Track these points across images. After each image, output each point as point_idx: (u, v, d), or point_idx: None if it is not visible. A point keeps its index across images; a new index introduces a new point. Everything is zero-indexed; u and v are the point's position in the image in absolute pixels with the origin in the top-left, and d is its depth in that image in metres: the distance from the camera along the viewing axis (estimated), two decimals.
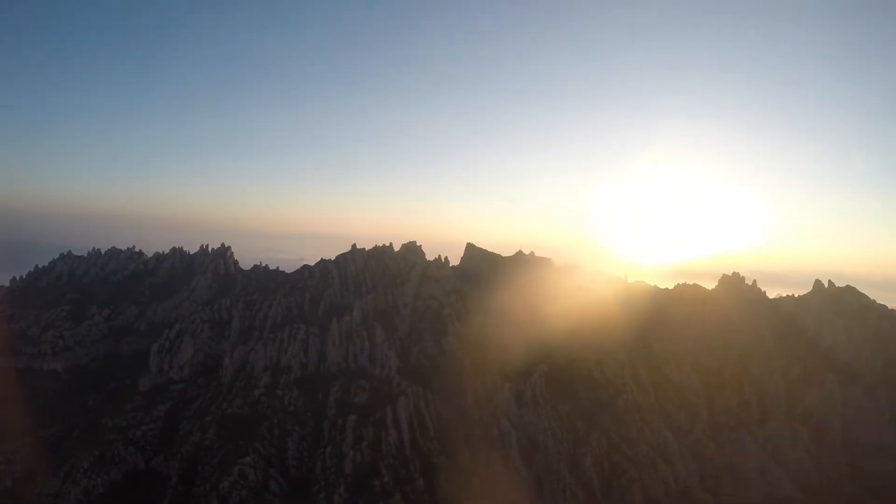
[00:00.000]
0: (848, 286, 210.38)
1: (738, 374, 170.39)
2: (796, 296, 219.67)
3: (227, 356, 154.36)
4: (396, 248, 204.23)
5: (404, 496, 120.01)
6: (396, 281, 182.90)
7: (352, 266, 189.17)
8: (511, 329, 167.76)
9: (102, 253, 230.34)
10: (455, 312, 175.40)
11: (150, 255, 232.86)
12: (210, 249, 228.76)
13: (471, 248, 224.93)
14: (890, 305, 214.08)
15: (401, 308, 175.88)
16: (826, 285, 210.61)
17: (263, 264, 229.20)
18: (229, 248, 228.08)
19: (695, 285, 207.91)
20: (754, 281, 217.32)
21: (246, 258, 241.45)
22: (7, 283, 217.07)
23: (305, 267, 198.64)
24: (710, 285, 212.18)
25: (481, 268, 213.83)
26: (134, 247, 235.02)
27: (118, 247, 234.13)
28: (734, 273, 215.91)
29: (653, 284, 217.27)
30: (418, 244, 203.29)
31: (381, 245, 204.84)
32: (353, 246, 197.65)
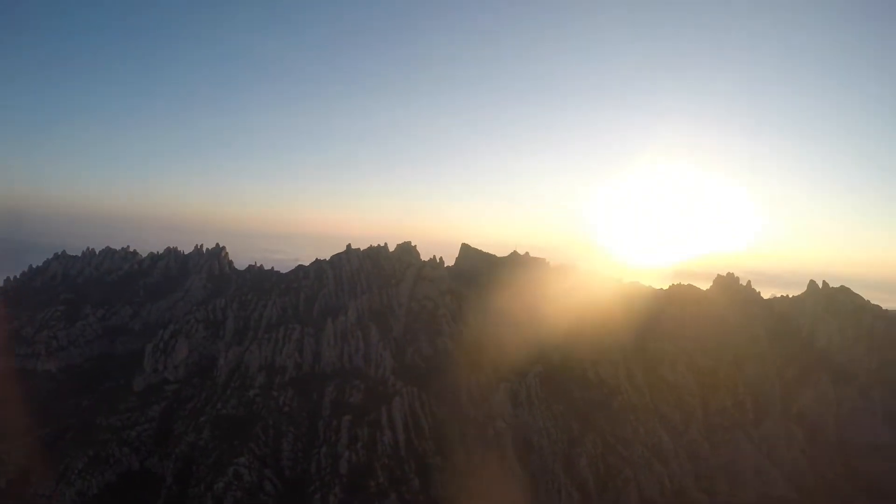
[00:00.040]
0: (842, 287, 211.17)
1: (732, 374, 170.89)
2: (791, 296, 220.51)
3: (222, 356, 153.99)
4: (391, 248, 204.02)
5: (399, 496, 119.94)
6: (391, 281, 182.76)
7: (346, 266, 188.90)
8: (506, 329, 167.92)
9: (97, 253, 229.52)
10: (450, 313, 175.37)
11: (145, 255, 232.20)
12: (205, 249, 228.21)
13: (466, 249, 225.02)
14: (884, 306, 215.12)
15: (396, 308, 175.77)
16: (820, 286, 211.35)
17: (258, 264, 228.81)
18: (224, 248, 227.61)
19: (689, 286, 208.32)
20: (749, 281, 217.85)
21: (241, 258, 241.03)
22: (1, 284, 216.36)
23: (300, 267, 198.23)
24: (704, 286, 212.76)
25: (476, 268, 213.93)
26: (128, 246, 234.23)
27: (118, 247, 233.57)
28: (729, 273, 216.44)
29: (648, 285, 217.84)
30: (413, 244, 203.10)
31: (375, 245, 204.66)
32: (348, 246, 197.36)
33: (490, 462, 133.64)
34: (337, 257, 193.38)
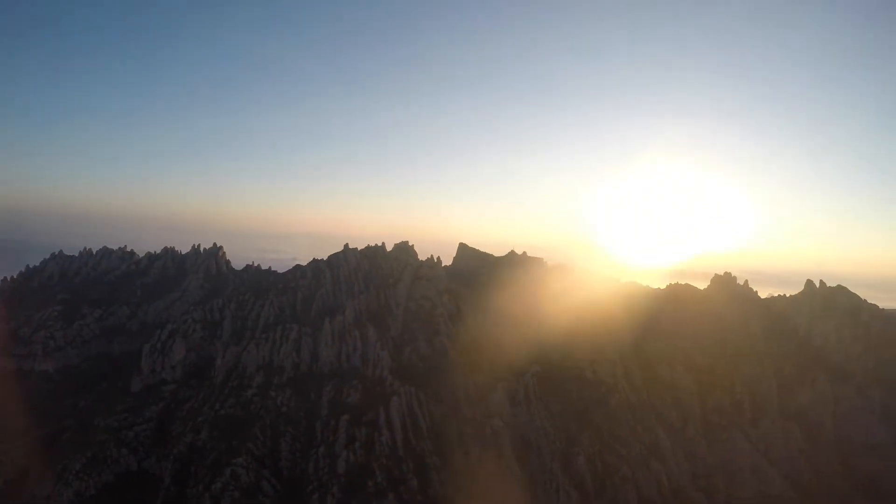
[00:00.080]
0: (839, 286, 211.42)
1: (730, 373, 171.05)
2: (788, 295, 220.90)
3: (220, 356, 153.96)
4: (389, 248, 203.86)
5: (398, 496, 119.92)
6: (389, 281, 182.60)
7: (344, 266, 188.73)
8: (503, 329, 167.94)
9: (94, 253, 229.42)
10: (447, 312, 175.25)
11: (142, 255, 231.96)
12: (202, 249, 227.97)
13: (463, 248, 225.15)
14: (881, 305, 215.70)
15: (393, 308, 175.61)
16: (817, 285, 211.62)
17: (256, 264, 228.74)
18: (221, 248, 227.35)
19: (687, 285, 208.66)
20: (746, 281, 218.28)
21: (238, 258, 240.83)
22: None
23: (298, 267, 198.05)
24: (702, 285, 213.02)
25: (474, 268, 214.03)
26: (126, 246, 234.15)
27: (115, 247, 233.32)
28: (726, 273, 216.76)
29: (645, 284, 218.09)
30: (411, 244, 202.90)
31: (373, 245, 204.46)
32: (346, 246, 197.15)
33: (488, 461, 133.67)
34: (334, 257, 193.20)
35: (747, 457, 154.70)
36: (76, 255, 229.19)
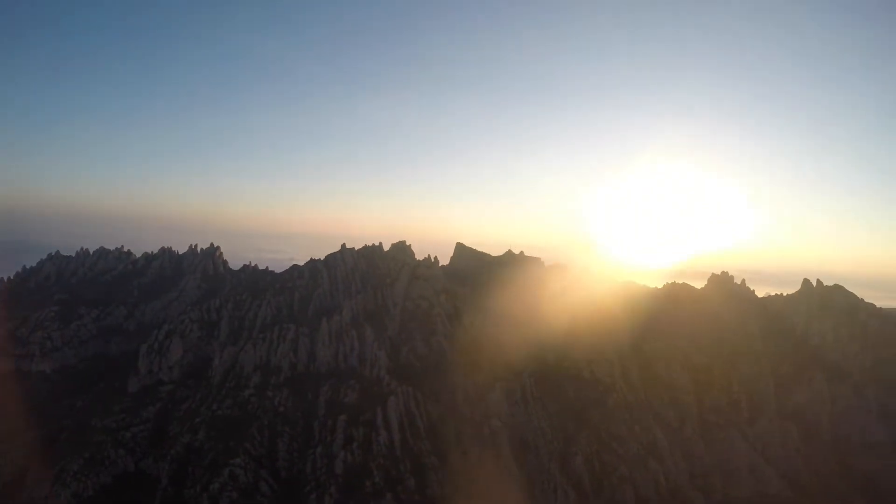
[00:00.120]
0: (836, 285, 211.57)
1: (727, 372, 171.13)
2: (785, 294, 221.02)
3: (217, 357, 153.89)
4: (386, 247, 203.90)
5: (395, 496, 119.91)
6: (386, 281, 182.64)
7: (341, 266, 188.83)
8: (501, 329, 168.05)
9: (91, 253, 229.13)
10: (445, 312, 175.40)
11: (139, 255, 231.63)
12: (199, 249, 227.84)
13: (460, 248, 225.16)
14: (878, 304, 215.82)
15: (390, 308, 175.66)
16: (814, 284, 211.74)
17: (253, 264, 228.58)
18: (218, 247, 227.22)
19: (684, 284, 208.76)
20: (743, 280, 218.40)
21: (235, 258, 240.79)
22: None
23: (295, 267, 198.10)
24: (699, 284, 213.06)
25: (471, 267, 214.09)
26: (122, 246, 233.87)
27: (112, 247, 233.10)
28: (723, 272, 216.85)
29: (643, 284, 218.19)
30: (408, 244, 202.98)
31: (370, 245, 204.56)
32: (343, 245, 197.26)
33: (486, 461, 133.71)
34: (332, 257, 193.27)
35: (744, 456, 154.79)
36: (73, 255, 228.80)
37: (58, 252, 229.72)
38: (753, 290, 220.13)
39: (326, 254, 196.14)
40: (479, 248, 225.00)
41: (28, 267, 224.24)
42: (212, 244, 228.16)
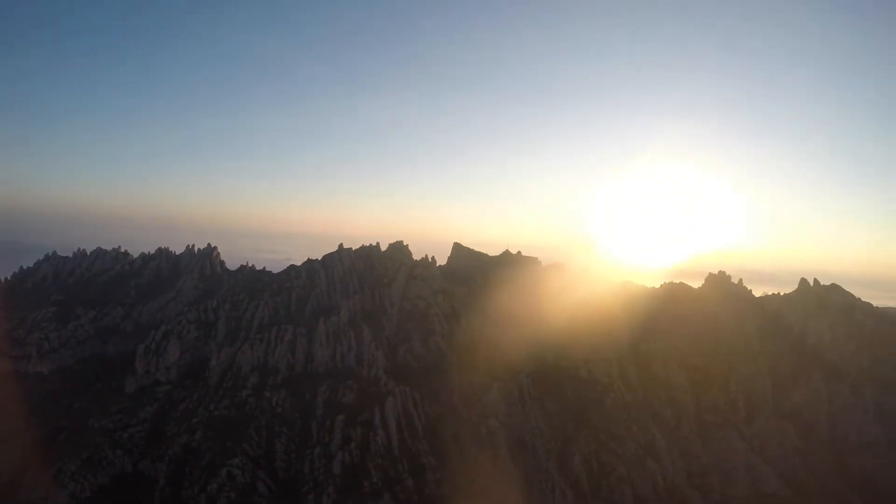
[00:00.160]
0: (833, 284, 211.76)
1: (724, 372, 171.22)
2: (782, 294, 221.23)
3: (214, 357, 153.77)
4: (383, 247, 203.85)
5: (393, 496, 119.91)
6: (383, 281, 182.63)
7: (338, 266, 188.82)
8: (499, 328, 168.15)
9: (88, 254, 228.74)
10: (442, 312, 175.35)
11: (136, 255, 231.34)
12: (196, 250, 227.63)
13: (458, 248, 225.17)
14: (875, 304, 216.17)
15: (388, 308, 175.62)
16: (811, 284, 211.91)
17: (250, 264, 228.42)
18: (215, 248, 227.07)
19: (681, 284, 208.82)
20: (740, 279, 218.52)
21: (232, 258, 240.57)
22: None
23: (292, 267, 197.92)
24: (697, 284, 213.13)
25: (468, 268, 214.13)
26: (120, 247, 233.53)
27: (110, 247, 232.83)
28: (720, 272, 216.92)
29: (640, 284, 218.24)
30: (405, 244, 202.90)
31: (367, 245, 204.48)
32: (340, 246, 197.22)
33: (484, 461, 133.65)
34: (329, 257, 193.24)
35: (742, 455, 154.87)
36: (70, 255, 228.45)
37: (55, 252, 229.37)
38: (751, 290, 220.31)
39: (324, 254, 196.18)
40: (478, 249, 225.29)
41: (25, 267, 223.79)
42: (209, 244, 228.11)
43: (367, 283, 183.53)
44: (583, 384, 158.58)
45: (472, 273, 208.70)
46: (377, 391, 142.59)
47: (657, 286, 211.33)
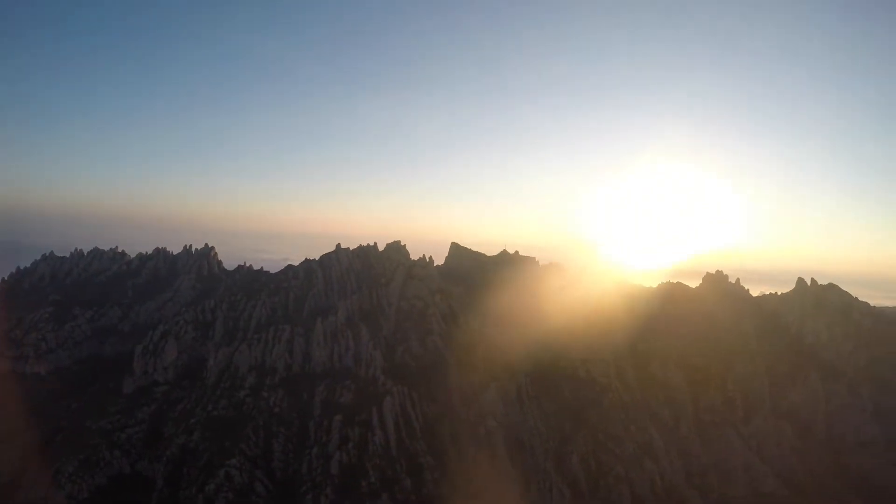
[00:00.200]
0: (830, 284, 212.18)
1: (722, 371, 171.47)
2: (779, 294, 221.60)
3: (212, 357, 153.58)
4: (381, 247, 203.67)
5: (391, 496, 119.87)
6: (381, 281, 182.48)
7: (336, 266, 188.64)
8: (496, 328, 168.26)
9: (85, 254, 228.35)
10: (440, 312, 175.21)
11: (134, 255, 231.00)
12: (193, 250, 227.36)
13: (455, 248, 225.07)
14: (872, 303, 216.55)
15: (385, 308, 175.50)
16: (809, 283, 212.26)
17: (247, 264, 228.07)
18: (213, 248, 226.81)
19: (679, 284, 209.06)
20: (738, 279, 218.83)
21: (230, 258, 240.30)
22: None
23: (289, 267, 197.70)
24: (694, 284, 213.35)
25: (466, 267, 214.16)
26: (117, 247, 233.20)
27: (110, 247, 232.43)
28: (718, 271, 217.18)
29: (638, 283, 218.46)
30: (403, 244, 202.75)
31: (365, 244, 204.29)
32: (338, 245, 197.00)
33: (481, 461, 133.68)
34: (326, 257, 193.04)
35: (740, 455, 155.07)
36: (67, 255, 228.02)
37: (52, 253, 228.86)
38: (748, 290, 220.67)
39: (321, 254, 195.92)
40: (476, 249, 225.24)
41: (22, 268, 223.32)
42: (206, 244, 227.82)
43: (364, 283, 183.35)
44: (581, 384, 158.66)
45: (470, 273, 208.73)
46: (375, 391, 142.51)
47: (654, 286, 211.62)
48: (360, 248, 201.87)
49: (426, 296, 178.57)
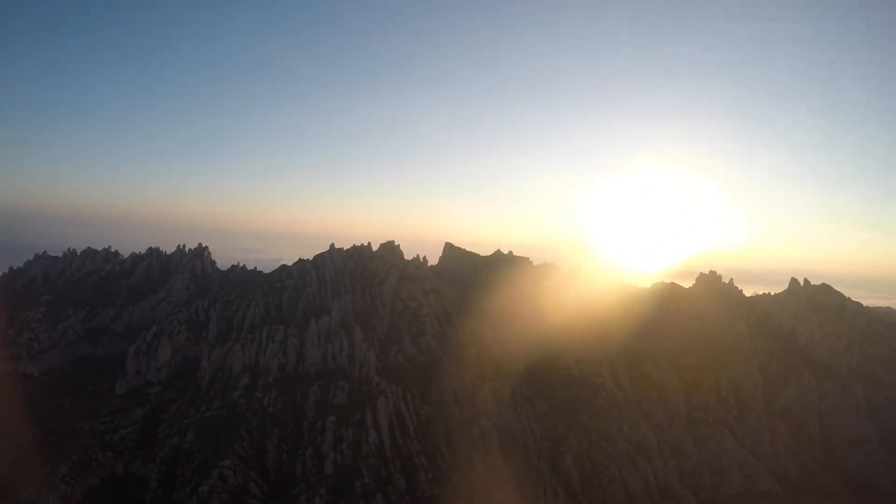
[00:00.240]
0: (823, 284, 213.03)
1: (715, 371, 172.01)
2: (773, 294, 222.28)
3: (205, 358, 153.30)
4: (374, 247, 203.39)
5: (385, 497, 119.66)
6: (375, 281, 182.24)
7: (330, 266, 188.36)
8: (490, 328, 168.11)
9: (78, 254, 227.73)
10: (434, 312, 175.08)
11: (127, 255, 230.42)
12: (187, 250, 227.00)
13: (449, 248, 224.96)
14: (864, 303, 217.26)
15: (379, 308, 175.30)
16: (802, 283, 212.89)
17: (241, 264, 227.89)
18: (206, 248, 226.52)
19: (672, 284, 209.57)
20: (731, 279, 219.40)
21: (224, 258, 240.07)
22: None
23: (283, 267, 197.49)
24: (688, 284, 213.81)
25: (460, 268, 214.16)
26: (110, 247, 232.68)
27: (104, 247, 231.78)
28: (711, 272, 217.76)
29: (632, 284, 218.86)
30: (396, 244, 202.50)
31: (359, 245, 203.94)
32: (332, 246, 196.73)
33: (475, 461, 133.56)
34: (320, 257, 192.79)
35: (733, 454, 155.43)
36: (60, 255, 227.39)
37: (45, 252, 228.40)
38: (741, 290, 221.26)
39: (315, 254, 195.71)
40: (470, 249, 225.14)
41: (15, 268, 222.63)
42: (200, 244, 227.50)
43: (358, 284, 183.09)
44: (574, 384, 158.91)
45: (464, 273, 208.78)
46: (369, 391, 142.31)
47: (648, 286, 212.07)
48: (354, 248, 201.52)
49: (420, 296, 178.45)
